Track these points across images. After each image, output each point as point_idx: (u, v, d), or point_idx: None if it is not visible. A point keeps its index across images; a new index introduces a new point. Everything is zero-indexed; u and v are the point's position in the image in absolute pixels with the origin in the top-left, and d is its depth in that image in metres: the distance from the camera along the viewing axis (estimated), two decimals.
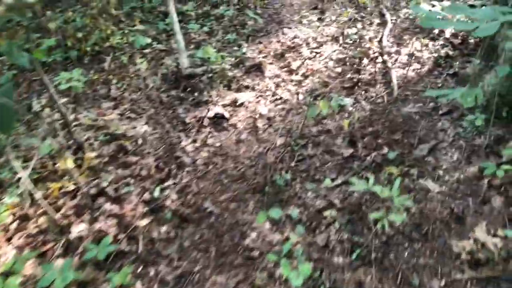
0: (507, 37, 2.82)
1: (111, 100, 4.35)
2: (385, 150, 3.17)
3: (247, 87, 4.31)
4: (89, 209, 3.08)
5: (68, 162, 3.33)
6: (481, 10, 2.33)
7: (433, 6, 4.76)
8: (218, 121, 3.90)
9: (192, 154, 3.53)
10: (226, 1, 5.67)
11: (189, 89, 4.33)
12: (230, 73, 4.42)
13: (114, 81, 4.65)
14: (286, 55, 4.70)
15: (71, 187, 3.26)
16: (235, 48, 4.95)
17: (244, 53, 4.75)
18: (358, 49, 4.38)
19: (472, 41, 4.20)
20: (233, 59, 4.70)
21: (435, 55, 4.14)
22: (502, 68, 2.60)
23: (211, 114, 3.93)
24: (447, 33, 4.41)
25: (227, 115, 3.93)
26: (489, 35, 2.24)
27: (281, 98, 4.06)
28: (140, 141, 3.71)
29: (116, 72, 4.80)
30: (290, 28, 5.26)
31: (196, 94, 4.26)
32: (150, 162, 3.47)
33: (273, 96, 4.12)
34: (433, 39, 4.38)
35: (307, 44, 4.80)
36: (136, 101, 4.27)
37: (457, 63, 3.93)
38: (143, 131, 3.84)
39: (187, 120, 3.93)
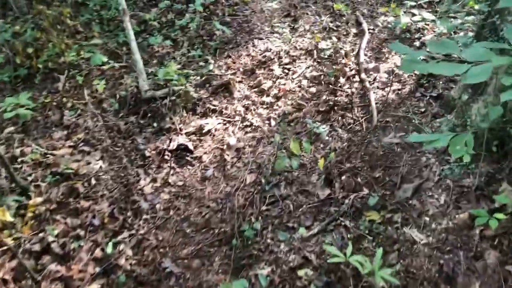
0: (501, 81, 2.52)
1: (63, 129, 3.93)
2: (365, 191, 2.85)
3: (214, 110, 3.93)
4: (31, 272, 2.69)
5: (7, 214, 2.94)
6: (471, 49, 2.01)
7: (414, 15, 4.43)
8: (181, 153, 3.53)
9: (151, 197, 3.16)
10: (193, 9, 5.22)
11: (149, 114, 3.93)
12: (195, 95, 4.03)
13: (69, 104, 4.21)
14: (257, 71, 4.32)
15: (11, 242, 2.87)
16: (201, 63, 4.54)
17: (211, 70, 4.35)
18: (334, 66, 4.03)
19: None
20: (198, 77, 4.30)
21: (417, 72, 3.82)
22: (494, 109, 2.29)
23: (173, 145, 3.55)
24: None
25: (191, 146, 3.55)
26: (481, 81, 1.93)
27: (251, 124, 3.70)
28: (93, 181, 3.32)
29: (70, 93, 4.37)
30: (261, 39, 4.86)
31: (157, 120, 3.86)
32: (103, 208, 3.10)
33: (242, 122, 3.75)
34: None
35: (279, 58, 4.43)
36: (91, 129, 3.86)
37: (441, 82, 3.62)
38: (98, 167, 3.45)
39: (147, 153, 3.55)
